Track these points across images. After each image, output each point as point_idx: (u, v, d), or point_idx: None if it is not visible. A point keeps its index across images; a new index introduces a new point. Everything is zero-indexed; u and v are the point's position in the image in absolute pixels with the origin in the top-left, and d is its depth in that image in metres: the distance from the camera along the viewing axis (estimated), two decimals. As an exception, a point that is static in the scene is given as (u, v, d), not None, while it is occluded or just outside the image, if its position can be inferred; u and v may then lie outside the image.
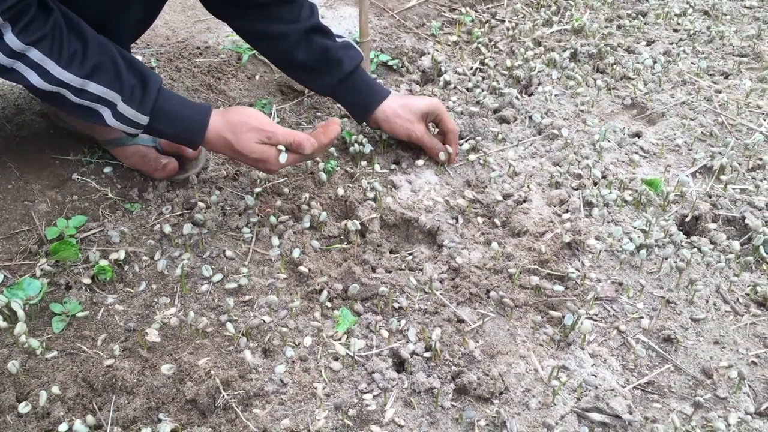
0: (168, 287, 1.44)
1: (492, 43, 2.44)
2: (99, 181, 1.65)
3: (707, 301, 1.47)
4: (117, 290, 1.42)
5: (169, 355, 1.29)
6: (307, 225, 1.60)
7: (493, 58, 2.35)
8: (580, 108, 2.12)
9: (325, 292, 1.42)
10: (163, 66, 2.07)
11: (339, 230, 1.61)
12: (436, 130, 1.87)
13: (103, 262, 1.42)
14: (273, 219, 1.58)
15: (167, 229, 1.53)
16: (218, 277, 1.46)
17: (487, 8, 2.73)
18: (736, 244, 1.59)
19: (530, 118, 2.04)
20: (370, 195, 1.69)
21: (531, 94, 2.20)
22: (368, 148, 1.81)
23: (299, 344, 1.34)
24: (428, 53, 2.33)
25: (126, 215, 1.59)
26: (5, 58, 1.26)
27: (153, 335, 1.29)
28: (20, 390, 1.22)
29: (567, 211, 1.71)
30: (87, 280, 1.41)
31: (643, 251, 1.54)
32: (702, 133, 2.02)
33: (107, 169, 1.68)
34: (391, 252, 1.62)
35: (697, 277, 1.51)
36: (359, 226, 1.58)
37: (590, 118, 2.07)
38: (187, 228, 1.52)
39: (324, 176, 1.71)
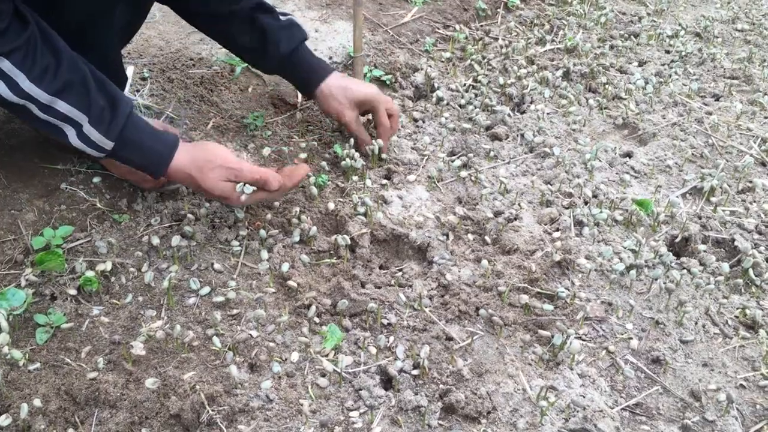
0: (155, 300, 1.42)
1: (485, 60, 2.45)
2: (87, 191, 1.63)
3: (696, 323, 1.47)
4: (103, 302, 1.41)
5: (153, 368, 1.28)
6: (297, 239, 1.59)
7: (486, 75, 2.36)
8: (572, 127, 2.13)
9: (313, 308, 1.41)
10: (155, 77, 2.06)
11: (329, 245, 1.60)
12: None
13: (90, 273, 1.41)
14: (262, 233, 1.57)
15: (155, 240, 1.51)
16: (206, 290, 1.44)
17: (481, 26, 2.74)
18: (725, 266, 1.59)
19: (522, 135, 2.04)
20: (361, 210, 1.68)
21: (523, 112, 2.20)
22: (360, 163, 1.80)
23: (286, 360, 1.33)
24: (421, 69, 2.33)
25: (114, 226, 1.57)
26: None
27: (138, 348, 1.28)
28: (1, 402, 1.20)
29: (557, 230, 1.70)
30: (73, 291, 1.39)
31: (633, 271, 1.54)
32: (693, 154, 2.03)
33: (96, 179, 1.66)
34: (380, 267, 1.61)
35: (687, 298, 1.51)
36: (349, 241, 1.57)
37: (582, 137, 2.07)
38: (176, 240, 1.51)
39: (315, 190, 1.70)
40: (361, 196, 1.71)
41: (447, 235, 1.66)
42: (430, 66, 2.38)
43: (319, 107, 1.86)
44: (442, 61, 2.44)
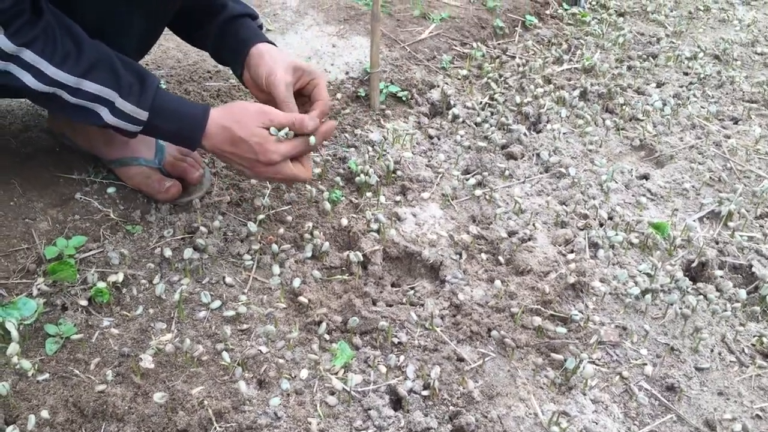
0: (165, 312, 1.42)
1: (502, 78, 2.44)
2: (102, 202, 1.63)
3: (712, 350, 1.45)
4: (113, 313, 1.40)
5: (162, 382, 1.27)
6: (309, 254, 1.58)
7: (503, 93, 2.35)
8: (588, 147, 2.11)
9: (324, 324, 1.40)
10: (172, 88, 2.06)
11: (341, 261, 1.59)
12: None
13: (101, 285, 1.40)
14: (275, 247, 1.56)
15: (168, 252, 1.51)
16: (217, 304, 1.44)
17: (498, 44, 2.73)
18: (742, 293, 1.57)
19: (538, 155, 2.03)
20: (374, 226, 1.67)
21: (539, 131, 2.19)
22: (374, 179, 1.80)
23: (295, 377, 1.32)
24: (438, 86, 2.33)
25: (127, 237, 1.57)
26: None
27: (147, 361, 1.27)
28: (9, 413, 1.19)
29: (572, 251, 1.69)
30: (84, 302, 1.39)
31: (648, 296, 1.52)
32: (710, 177, 2.01)
33: (110, 190, 1.67)
34: (392, 285, 1.60)
35: (703, 325, 1.49)
36: (362, 258, 1.56)
37: (598, 158, 2.06)
38: (188, 253, 1.51)
39: (328, 206, 1.70)
40: (374, 213, 1.70)
41: (460, 254, 1.65)
42: (447, 83, 2.38)
43: (248, 76, 1.61)
44: (459, 79, 2.43)
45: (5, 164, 1.66)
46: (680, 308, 1.52)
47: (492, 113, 2.23)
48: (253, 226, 1.59)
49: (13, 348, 1.24)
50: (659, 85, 2.57)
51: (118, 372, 1.28)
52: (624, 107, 2.34)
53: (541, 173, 1.97)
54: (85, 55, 1.31)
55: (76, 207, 1.61)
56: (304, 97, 1.61)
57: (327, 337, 1.41)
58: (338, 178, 1.82)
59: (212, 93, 2.07)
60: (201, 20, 1.68)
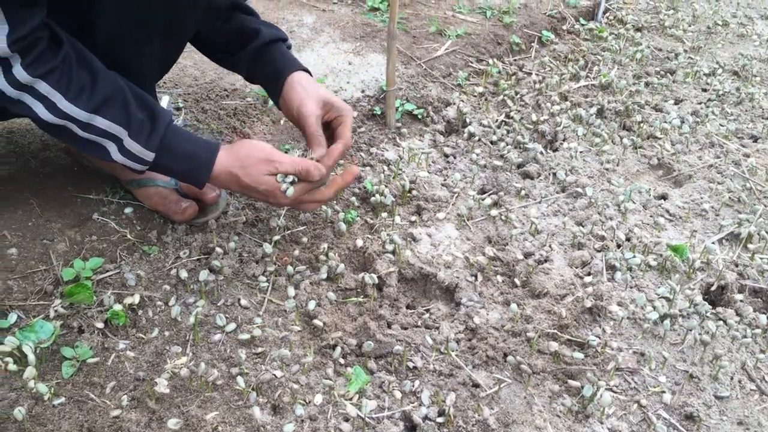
0: (180, 335, 1.42)
1: (518, 95, 2.43)
2: (119, 222, 1.64)
3: (732, 378, 1.43)
4: (129, 336, 1.41)
5: (177, 407, 1.27)
6: (324, 276, 1.58)
7: (519, 111, 2.34)
8: (605, 166, 2.10)
9: (338, 348, 1.40)
10: (189, 107, 2.08)
11: (356, 283, 1.59)
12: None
13: (117, 307, 1.41)
14: (290, 269, 1.56)
15: (183, 274, 1.51)
16: (232, 326, 1.44)
17: (515, 60, 2.73)
18: (763, 319, 1.55)
19: (554, 174, 2.02)
20: (389, 248, 1.67)
21: (556, 150, 2.18)
22: (389, 199, 1.79)
23: (309, 402, 1.31)
24: (454, 104, 2.32)
25: (143, 257, 1.58)
26: (12, 90, 1.26)
27: (162, 386, 1.27)
28: (25, 437, 1.20)
29: (589, 274, 1.67)
30: (100, 324, 1.40)
31: (667, 321, 1.50)
32: (730, 198, 1.99)
33: (128, 210, 1.67)
34: (407, 307, 1.59)
35: (722, 351, 1.47)
36: (377, 281, 1.56)
37: (615, 177, 2.04)
38: (203, 275, 1.51)
39: (343, 226, 1.69)
40: (389, 233, 1.70)
41: (476, 276, 1.64)
42: (462, 100, 2.37)
43: (283, 102, 1.65)
44: (475, 96, 2.43)
45: (24, 184, 1.68)
46: (699, 334, 1.50)
47: (508, 131, 2.23)
48: (268, 248, 1.59)
49: (30, 372, 1.24)
50: (677, 101, 2.55)
51: (133, 396, 1.28)
52: (642, 125, 2.32)
53: (557, 193, 1.96)
54: (99, 89, 1.32)
55: (94, 227, 1.62)
56: (329, 131, 1.63)
57: (342, 361, 1.40)
58: (353, 198, 1.82)
59: (228, 112, 2.08)
60: (235, 47, 1.70)
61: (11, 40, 1.20)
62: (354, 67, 2.39)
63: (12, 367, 1.26)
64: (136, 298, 1.44)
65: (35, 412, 1.23)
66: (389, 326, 1.51)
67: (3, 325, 1.36)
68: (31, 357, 1.27)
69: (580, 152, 2.14)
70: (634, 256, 1.71)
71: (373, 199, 1.80)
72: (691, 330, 1.50)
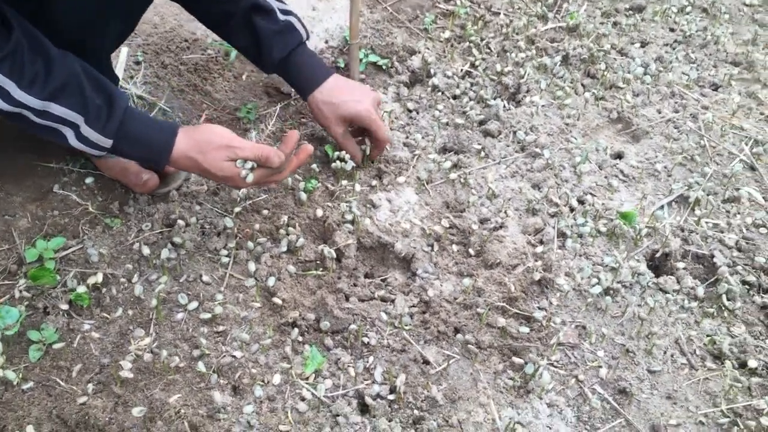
0: (144, 314, 1.47)
1: (484, 42, 2.41)
2: (80, 194, 1.66)
3: (665, 352, 1.53)
4: (94, 315, 1.46)
5: (141, 391, 1.34)
6: (285, 249, 1.63)
7: (484, 59, 2.33)
8: (566, 121, 2.12)
9: (296, 329, 1.47)
10: (149, 60, 2.05)
11: (315, 254, 1.64)
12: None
13: (81, 289, 1.45)
14: (250, 244, 1.61)
15: (146, 250, 1.55)
16: (194, 305, 1.49)
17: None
18: (700, 290, 1.64)
19: (514, 133, 2.04)
20: (349, 217, 1.71)
21: (518, 103, 2.19)
22: (350, 165, 1.81)
23: (268, 383, 1.39)
24: (419, 52, 2.30)
25: (106, 231, 1.61)
26: None
27: (126, 369, 1.34)
28: (-3, 423, 1.27)
29: (541, 242, 1.74)
30: (65, 306, 1.44)
31: (609, 297, 1.58)
32: (683, 157, 2.04)
33: (89, 180, 1.69)
34: (366, 276, 1.65)
35: (658, 327, 1.56)
36: (335, 255, 1.61)
37: (576, 132, 2.08)
38: (165, 252, 1.55)
39: (304, 196, 1.73)
40: (349, 203, 1.74)
41: (432, 246, 1.70)
42: (428, 48, 2.35)
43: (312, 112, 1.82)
44: (441, 42, 2.40)
45: (-18, 154, 1.67)
46: (639, 306, 1.59)
47: (471, 84, 2.22)
48: (229, 221, 1.63)
49: (-2, 360, 1.30)
50: (643, 44, 2.54)
51: (99, 380, 1.35)
52: (605, 73, 2.33)
53: (517, 152, 2.00)
54: (54, 76, 1.30)
55: (55, 201, 1.64)
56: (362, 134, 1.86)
57: (300, 339, 1.47)
58: (314, 165, 1.83)
59: (189, 67, 2.06)
60: (257, 58, 1.78)
61: None
62: (318, 13, 2.35)
63: (-20, 354, 1.32)
64: (99, 277, 1.49)
65: (5, 398, 1.30)
66: (347, 299, 1.57)
67: (-31, 309, 1.40)
68: (-1, 345, 1.32)
69: (542, 106, 2.16)
70: (585, 223, 1.77)
71: (333, 165, 1.82)
72: (630, 305, 1.59)
